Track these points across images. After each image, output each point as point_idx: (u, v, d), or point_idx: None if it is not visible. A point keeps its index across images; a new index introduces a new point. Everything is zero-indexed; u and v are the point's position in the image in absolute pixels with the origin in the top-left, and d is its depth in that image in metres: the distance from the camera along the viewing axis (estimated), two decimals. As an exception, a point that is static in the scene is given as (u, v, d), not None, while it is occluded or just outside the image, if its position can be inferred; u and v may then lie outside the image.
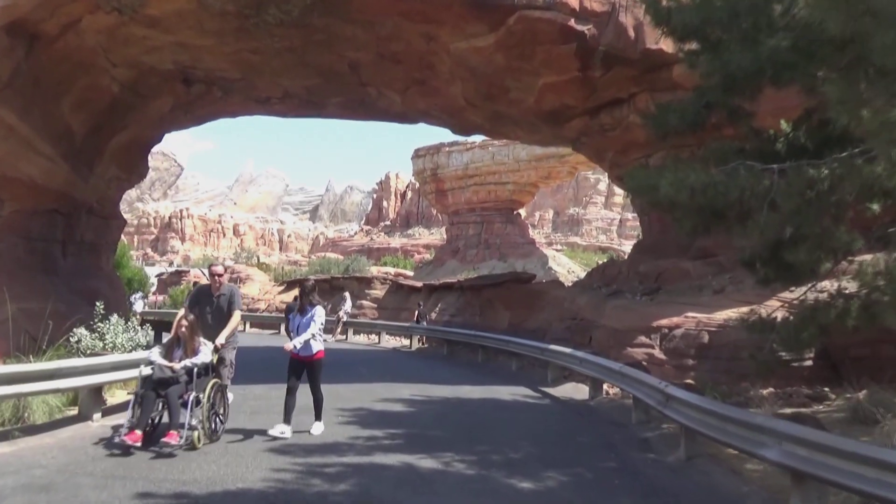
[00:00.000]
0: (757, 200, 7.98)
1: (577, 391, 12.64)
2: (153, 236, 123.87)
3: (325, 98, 18.38)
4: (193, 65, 15.88)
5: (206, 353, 7.29)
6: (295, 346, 7.75)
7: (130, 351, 10.61)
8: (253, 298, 35.16)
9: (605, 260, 72.46)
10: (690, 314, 12.75)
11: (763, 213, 7.86)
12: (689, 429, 6.76)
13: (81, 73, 13.88)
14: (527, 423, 9.30)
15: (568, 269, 56.17)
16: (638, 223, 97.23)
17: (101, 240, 18.42)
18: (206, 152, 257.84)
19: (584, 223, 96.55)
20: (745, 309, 12.66)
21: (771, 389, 11.23)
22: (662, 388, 7.21)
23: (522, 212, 68.59)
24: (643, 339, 13.06)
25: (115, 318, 10.95)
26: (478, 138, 62.51)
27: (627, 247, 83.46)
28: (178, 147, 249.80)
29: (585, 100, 14.91)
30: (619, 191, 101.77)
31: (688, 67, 9.13)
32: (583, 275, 54.66)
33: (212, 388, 7.30)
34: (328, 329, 25.38)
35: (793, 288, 12.55)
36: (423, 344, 22.01)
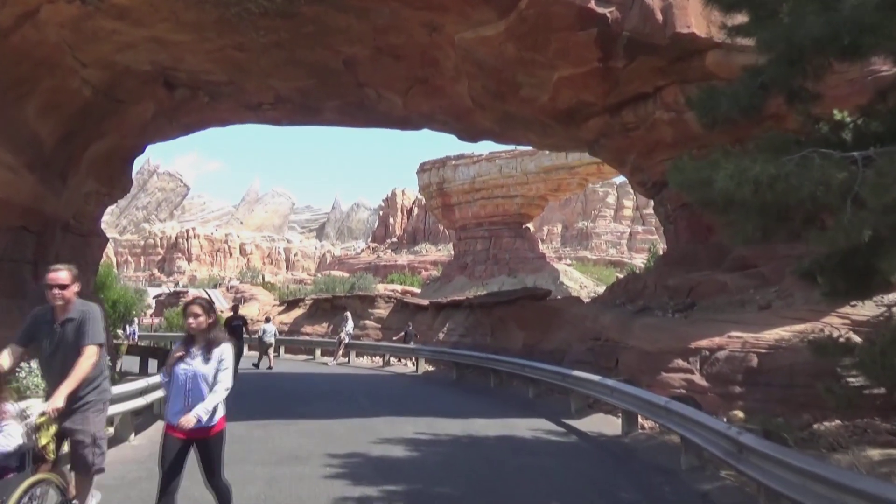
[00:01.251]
0: (835, 196, 6.40)
1: (606, 424, 11.00)
2: (160, 257, 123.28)
3: (320, 102, 16.96)
4: (174, 65, 14.51)
5: (10, 434, 3.97)
6: (200, 420, 4.44)
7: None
8: (252, 319, 33.66)
9: (617, 273, 70.78)
10: (734, 334, 11.11)
11: (847, 211, 6.27)
12: (773, 490, 5.13)
13: (45, 73, 12.50)
14: (554, 472, 7.68)
15: (580, 283, 54.46)
16: (649, 236, 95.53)
17: (79, 259, 16.94)
18: (214, 173, 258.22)
19: (593, 237, 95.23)
20: (798, 327, 11.06)
21: (837, 422, 9.59)
22: (734, 436, 5.58)
23: (531, 226, 67.05)
24: (680, 362, 11.42)
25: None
26: (485, 150, 61.18)
27: (638, 260, 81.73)
28: (186, 168, 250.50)
29: (606, 95, 13.39)
30: (628, 203, 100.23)
31: (742, 37, 7.63)
32: (595, 290, 53.01)
33: (24, 492, 3.92)
34: (329, 352, 24.00)
35: (854, 303, 11.00)
36: (422, 364, 20.40)
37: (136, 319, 30.78)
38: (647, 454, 8.73)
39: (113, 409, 8.49)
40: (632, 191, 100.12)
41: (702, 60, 11.93)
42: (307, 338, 25.99)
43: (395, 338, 22.23)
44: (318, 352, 24.43)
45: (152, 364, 18.69)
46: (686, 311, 12.98)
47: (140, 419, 10.23)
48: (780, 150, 7.11)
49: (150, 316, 35.94)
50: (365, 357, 23.45)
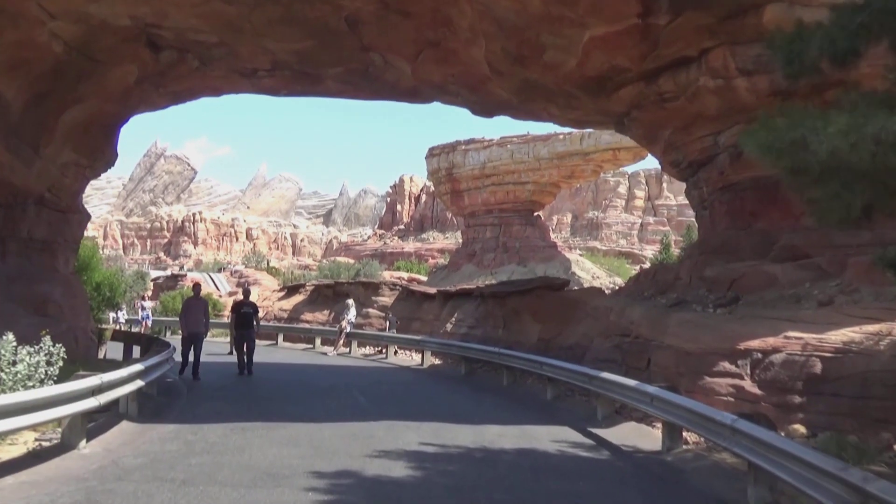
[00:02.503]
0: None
1: (641, 436, 9.49)
2: (166, 240, 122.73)
3: (321, 68, 15.40)
4: (158, 22, 12.97)
5: None
6: None
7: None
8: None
9: (628, 264, 69.04)
10: (792, 334, 9.55)
11: None
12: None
13: (7, 23, 11.03)
14: (589, 503, 6.21)
15: (592, 274, 52.88)
16: (660, 227, 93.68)
17: (56, 237, 15.57)
18: (223, 157, 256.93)
19: (603, 227, 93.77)
20: (871, 328, 9.44)
21: (923, 442, 8.06)
22: (856, 482, 4.04)
23: (541, 214, 65.33)
24: (726, 365, 9.88)
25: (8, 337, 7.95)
26: (496, 135, 59.42)
27: (649, 252, 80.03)
28: (195, 152, 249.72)
29: (642, 59, 11.77)
30: (639, 193, 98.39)
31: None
32: (609, 281, 51.39)
33: None
34: (329, 341, 22.53)
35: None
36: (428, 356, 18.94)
37: (149, 302, 29.29)
38: (700, 479, 7.22)
39: (59, 412, 7.12)
40: (644, 181, 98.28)
41: (758, 17, 10.29)
42: (307, 325, 24.59)
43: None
44: (318, 341, 23.03)
45: (136, 351, 17.35)
46: (729, 306, 11.43)
47: (101, 419, 8.80)
48: (889, 107, 5.56)
49: (148, 299, 34.65)
50: (367, 347, 22.03)
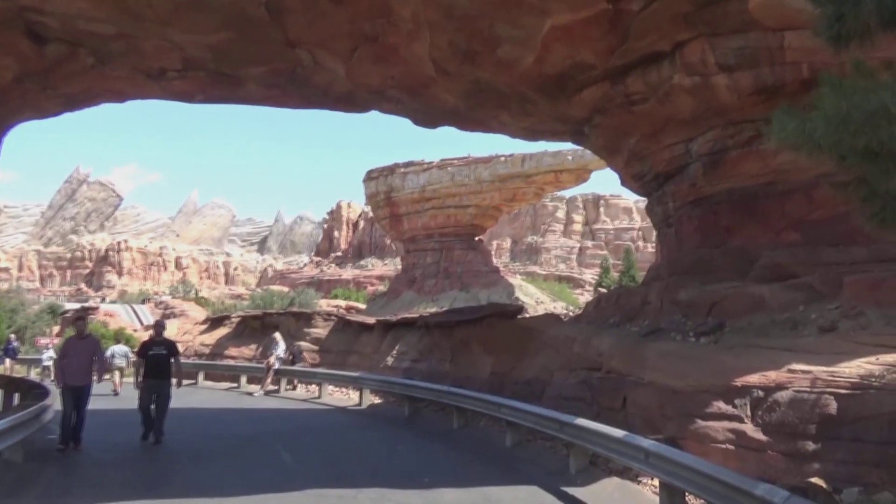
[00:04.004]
0: None
1: (628, 497, 7.81)
2: (88, 270, 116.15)
3: (240, 68, 13.42)
4: (37, 5, 10.80)
5: None
6: None
7: None
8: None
9: (569, 288, 68.43)
10: (796, 366, 8.11)
11: None
12: None
13: None
14: None
15: (536, 299, 51.75)
16: (598, 251, 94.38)
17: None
18: (153, 184, 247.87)
19: (542, 252, 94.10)
20: (890, 358, 8.14)
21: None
22: None
23: (482, 239, 64.13)
24: (721, 405, 8.36)
25: None
26: (436, 157, 58.05)
27: (588, 276, 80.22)
28: (124, 179, 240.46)
29: (609, 54, 10.34)
30: (578, 218, 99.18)
31: None
32: (552, 305, 50.36)
33: None
34: (256, 379, 20.12)
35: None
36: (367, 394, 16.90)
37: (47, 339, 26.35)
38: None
39: None
40: (581, 205, 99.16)
41: (742, 4, 9.03)
42: (231, 362, 22.10)
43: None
44: (243, 379, 20.60)
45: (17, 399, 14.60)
46: (714, 334, 9.98)
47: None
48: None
49: (53, 336, 31.19)
50: (299, 385, 19.76)
